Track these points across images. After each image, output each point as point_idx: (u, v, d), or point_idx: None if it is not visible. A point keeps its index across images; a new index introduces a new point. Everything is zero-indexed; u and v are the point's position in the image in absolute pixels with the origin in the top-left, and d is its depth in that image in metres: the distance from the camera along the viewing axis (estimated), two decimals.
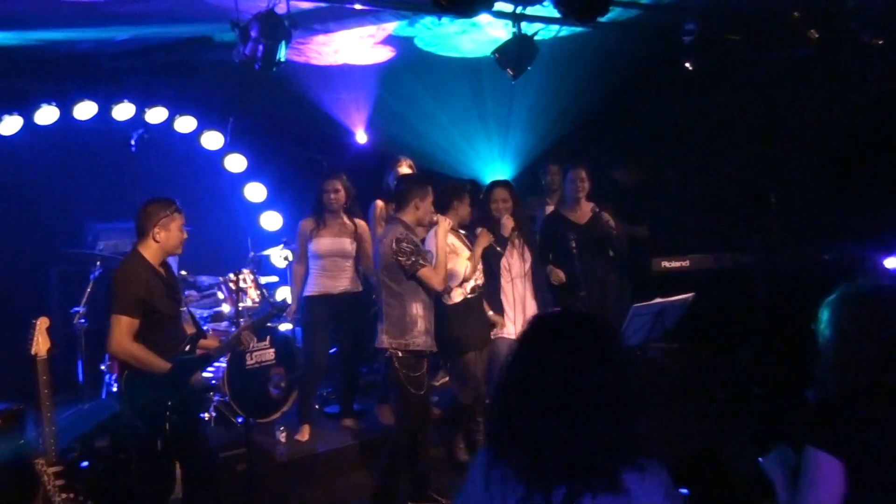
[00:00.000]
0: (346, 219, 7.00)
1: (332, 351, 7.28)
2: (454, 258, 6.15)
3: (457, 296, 6.22)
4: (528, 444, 2.29)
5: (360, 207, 7.21)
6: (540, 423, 2.28)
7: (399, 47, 8.28)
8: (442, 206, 6.18)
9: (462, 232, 6.45)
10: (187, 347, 4.98)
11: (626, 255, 7.27)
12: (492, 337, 6.46)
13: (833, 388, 2.81)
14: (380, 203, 7.24)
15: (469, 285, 6.25)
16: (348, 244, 6.95)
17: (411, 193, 5.84)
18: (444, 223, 5.89)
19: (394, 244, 5.65)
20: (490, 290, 6.50)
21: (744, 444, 5.74)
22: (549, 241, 7.10)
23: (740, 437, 5.97)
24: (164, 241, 4.90)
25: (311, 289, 6.93)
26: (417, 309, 5.70)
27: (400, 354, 5.66)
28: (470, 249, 6.29)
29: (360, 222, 7.10)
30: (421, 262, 5.63)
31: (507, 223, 6.59)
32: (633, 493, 2.25)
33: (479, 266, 6.35)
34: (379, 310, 5.86)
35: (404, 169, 7.20)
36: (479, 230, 6.32)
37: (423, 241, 5.97)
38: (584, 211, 7.16)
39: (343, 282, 6.97)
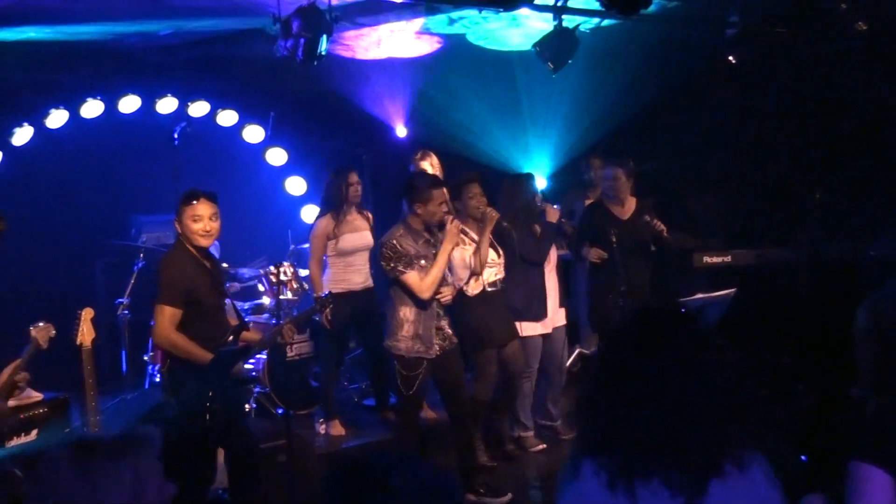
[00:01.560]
0: (359, 211, 7.01)
1: (357, 352, 7.29)
2: (462, 251, 6.06)
3: (474, 287, 6.16)
4: (658, 446, 2.24)
5: (385, 201, 7.20)
6: (666, 422, 2.22)
7: (444, 38, 8.28)
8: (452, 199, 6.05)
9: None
10: (230, 339, 5.03)
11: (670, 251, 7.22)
12: (522, 334, 6.43)
13: (866, 385, 2.76)
14: None
15: (487, 277, 6.18)
16: (369, 236, 6.94)
17: (411, 197, 5.68)
18: (453, 227, 5.65)
19: (380, 247, 5.65)
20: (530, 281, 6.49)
21: (787, 442, 5.68)
22: (589, 230, 7.05)
23: (783, 434, 5.91)
24: (183, 233, 4.95)
25: (334, 286, 6.79)
26: (406, 312, 5.61)
27: (394, 353, 5.66)
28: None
29: (370, 215, 7.11)
30: (401, 268, 5.50)
31: (553, 212, 6.61)
32: (751, 477, 2.22)
33: (501, 259, 6.29)
34: None
35: (424, 166, 7.16)
36: (451, 224, 5.77)
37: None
38: (629, 206, 7.10)
39: (363, 276, 6.97)
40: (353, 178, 6.89)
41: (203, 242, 4.96)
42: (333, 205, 6.84)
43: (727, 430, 2.22)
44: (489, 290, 6.22)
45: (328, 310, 6.43)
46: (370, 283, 7.02)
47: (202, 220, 4.91)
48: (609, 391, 2.29)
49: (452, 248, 5.70)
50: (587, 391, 2.40)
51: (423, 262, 5.57)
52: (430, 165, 7.21)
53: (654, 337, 2.30)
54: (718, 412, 2.21)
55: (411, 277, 5.52)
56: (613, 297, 6.69)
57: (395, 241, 5.56)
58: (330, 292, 6.17)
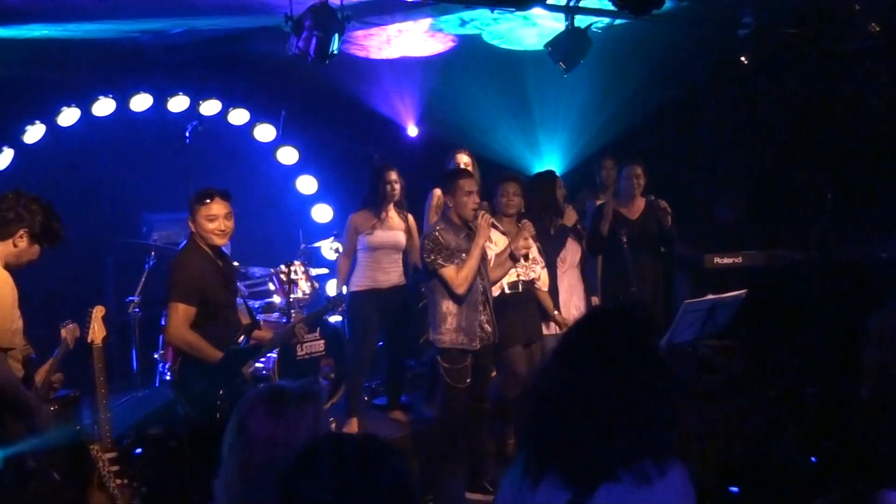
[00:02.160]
0: (397, 211, 7.04)
1: (379, 344, 7.35)
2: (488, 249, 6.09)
3: (496, 289, 6.19)
4: (563, 442, 2.30)
5: (408, 201, 7.24)
6: (574, 420, 2.28)
7: (458, 37, 8.29)
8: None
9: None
10: (241, 338, 5.05)
11: (674, 245, 7.23)
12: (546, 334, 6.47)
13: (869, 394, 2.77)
14: (437, 192, 7.18)
15: (506, 278, 6.19)
16: (402, 236, 6.99)
17: (444, 190, 5.86)
18: (483, 221, 5.72)
19: (423, 239, 5.75)
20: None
21: (795, 444, 5.67)
22: (599, 232, 7.08)
23: (792, 436, 5.90)
24: (198, 232, 4.98)
25: (361, 282, 6.94)
26: (448, 306, 5.67)
27: (438, 346, 5.71)
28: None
29: (410, 216, 7.14)
30: (440, 261, 5.57)
31: (572, 213, 6.66)
32: (653, 489, 2.24)
33: (528, 261, 6.30)
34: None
35: (461, 160, 7.20)
36: (481, 219, 5.83)
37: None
38: (638, 206, 7.14)
39: (392, 275, 7.00)
40: (390, 175, 6.94)
41: (219, 241, 5.00)
42: (369, 201, 6.95)
43: (633, 436, 2.25)
44: (509, 292, 6.24)
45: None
46: (401, 281, 7.06)
47: (217, 220, 4.95)
48: (541, 383, 2.38)
49: (484, 243, 5.76)
50: (531, 384, 2.49)
51: (463, 255, 5.65)
52: (467, 159, 7.22)
53: (589, 334, 2.37)
54: (627, 417, 2.25)
55: (449, 271, 5.60)
56: (623, 298, 6.71)
57: (437, 234, 5.64)
58: (340, 293, 6.18)
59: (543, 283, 6.46)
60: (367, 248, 6.92)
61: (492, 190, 6.42)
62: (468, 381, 5.73)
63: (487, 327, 5.81)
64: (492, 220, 5.90)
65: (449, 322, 5.68)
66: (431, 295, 5.77)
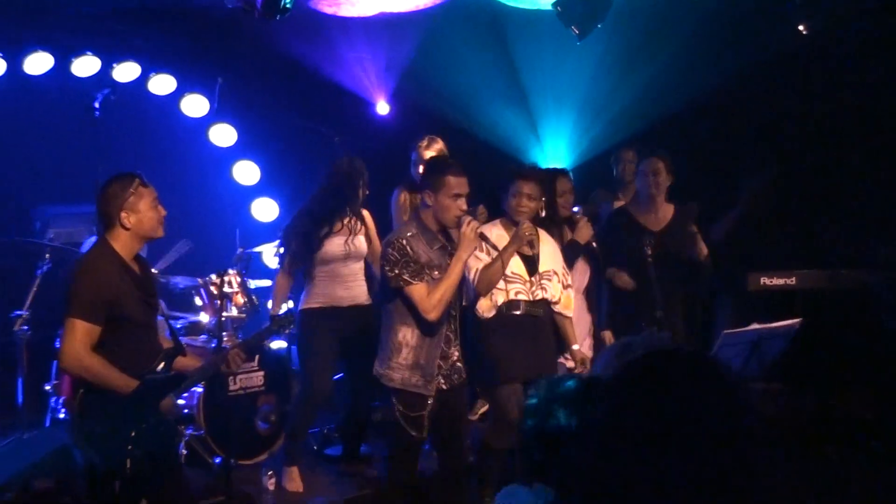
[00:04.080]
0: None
1: (336, 377, 7.32)
2: (476, 262, 6.06)
3: (486, 309, 6.16)
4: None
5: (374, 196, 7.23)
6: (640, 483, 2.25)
7: None
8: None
9: None
10: (160, 366, 5.01)
11: (710, 266, 7.26)
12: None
13: None
14: (404, 193, 7.23)
15: (499, 296, 6.17)
16: (363, 242, 6.98)
17: (423, 184, 5.71)
18: (468, 230, 5.52)
19: (383, 248, 5.63)
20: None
21: None
22: (614, 246, 7.09)
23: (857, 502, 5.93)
24: (136, 225, 4.93)
25: (315, 300, 6.90)
26: (405, 335, 5.58)
27: (388, 385, 5.63)
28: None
29: (367, 213, 7.13)
30: (407, 276, 5.44)
31: (587, 229, 6.67)
32: None
33: (536, 275, 6.28)
34: None
35: (431, 152, 7.19)
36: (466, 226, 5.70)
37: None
38: (664, 214, 7.16)
39: (355, 291, 6.99)
40: (364, 173, 6.99)
41: (161, 233, 5.08)
42: (328, 203, 6.95)
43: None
44: (507, 312, 6.20)
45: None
46: (363, 300, 7.05)
47: (158, 206, 5.00)
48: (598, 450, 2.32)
49: (467, 258, 5.65)
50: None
51: (436, 273, 5.53)
52: (439, 151, 7.20)
53: (649, 394, 2.31)
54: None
55: (418, 291, 5.46)
56: (647, 326, 6.71)
57: (404, 242, 5.50)
58: (290, 310, 6.14)
59: (565, 307, 6.41)
60: (321, 261, 6.88)
61: (501, 186, 6.34)
62: (425, 434, 5.66)
63: (459, 365, 5.77)
64: (479, 228, 5.72)
65: (403, 355, 5.58)
66: (387, 318, 5.68)
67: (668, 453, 2.22)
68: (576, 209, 7.25)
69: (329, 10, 8.35)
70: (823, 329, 6.55)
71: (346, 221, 6.90)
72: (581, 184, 8.88)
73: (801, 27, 7.88)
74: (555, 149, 9.91)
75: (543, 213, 6.48)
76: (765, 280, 7.89)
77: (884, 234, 8.15)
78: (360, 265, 7.04)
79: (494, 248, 6.00)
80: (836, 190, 8.96)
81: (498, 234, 6.14)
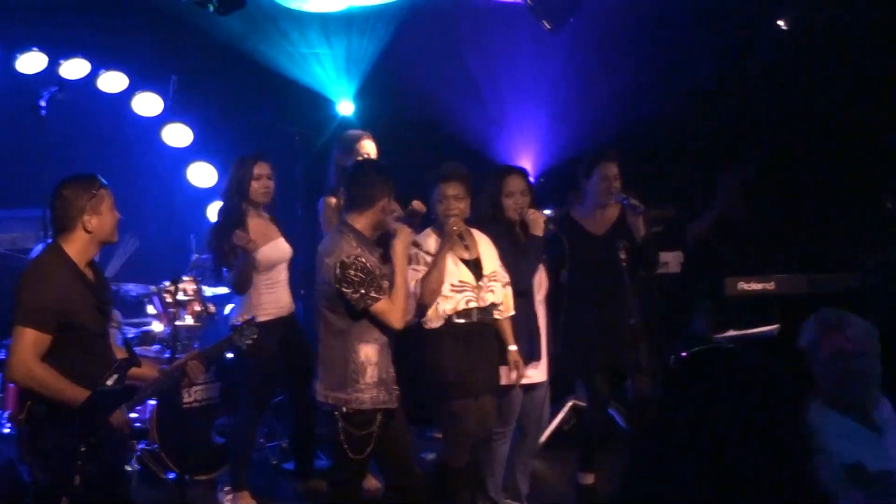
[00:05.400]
0: (269, 214, 7.01)
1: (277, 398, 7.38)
2: (413, 272, 6.03)
3: (433, 319, 6.12)
4: None
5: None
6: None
7: None
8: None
9: None
10: (113, 378, 4.97)
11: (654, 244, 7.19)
12: (510, 382, 6.43)
13: None
14: (332, 200, 7.06)
15: (447, 304, 6.15)
16: (287, 245, 6.97)
17: (377, 190, 5.62)
18: (404, 234, 5.65)
19: (337, 269, 5.47)
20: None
21: None
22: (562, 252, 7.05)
23: None
24: (97, 229, 4.90)
25: (264, 312, 6.69)
26: (368, 353, 5.55)
27: (343, 409, 5.58)
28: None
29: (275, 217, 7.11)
30: (374, 294, 5.44)
31: (536, 217, 6.57)
32: None
33: (483, 279, 6.27)
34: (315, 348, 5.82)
35: (369, 149, 7.16)
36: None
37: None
38: (609, 216, 7.07)
39: (289, 297, 6.99)
40: (262, 168, 6.87)
41: (117, 237, 5.11)
42: (234, 204, 6.89)
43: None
44: (458, 321, 6.19)
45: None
46: (293, 306, 7.04)
47: (115, 209, 4.99)
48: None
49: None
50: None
51: (385, 283, 5.53)
52: (372, 151, 7.17)
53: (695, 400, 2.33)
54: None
55: (383, 305, 5.48)
56: (620, 334, 6.73)
57: (363, 259, 5.46)
58: (253, 317, 6.08)
59: (507, 308, 6.35)
60: (263, 267, 6.80)
61: (428, 193, 6.31)
62: (368, 452, 5.60)
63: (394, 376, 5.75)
64: (411, 234, 5.82)
65: (370, 374, 5.53)
66: (338, 340, 5.60)
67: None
68: (548, 212, 7.15)
69: (291, 5, 8.34)
70: None
71: (262, 224, 6.86)
72: (554, 188, 8.92)
73: (781, 23, 7.92)
74: (524, 151, 9.94)
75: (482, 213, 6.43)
76: (743, 285, 7.94)
77: (866, 239, 8.21)
78: (285, 269, 7.00)
79: (429, 254, 6.08)
80: (815, 193, 9.03)
81: (431, 242, 6.12)
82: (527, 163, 9.33)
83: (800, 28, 8.15)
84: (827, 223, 8.89)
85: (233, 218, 6.78)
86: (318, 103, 9.67)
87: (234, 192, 6.84)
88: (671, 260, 7.34)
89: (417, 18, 8.98)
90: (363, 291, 5.42)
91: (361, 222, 5.59)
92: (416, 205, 6.82)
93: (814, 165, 9.14)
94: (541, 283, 6.84)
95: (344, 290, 5.43)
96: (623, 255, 6.75)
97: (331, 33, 9.18)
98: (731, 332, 6.11)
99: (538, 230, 6.59)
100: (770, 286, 7.97)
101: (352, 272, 5.42)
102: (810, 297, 7.87)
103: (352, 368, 5.54)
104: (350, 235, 5.56)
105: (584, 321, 6.89)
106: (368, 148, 7.13)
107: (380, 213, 5.60)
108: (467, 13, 9.00)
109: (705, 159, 9.13)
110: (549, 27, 7.44)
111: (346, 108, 9.77)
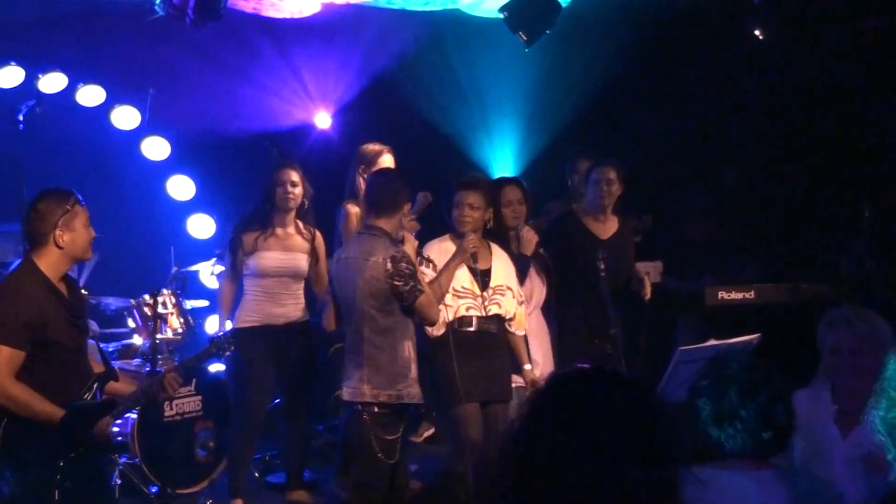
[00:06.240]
0: (299, 227, 7.04)
1: (274, 403, 7.33)
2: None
3: (437, 327, 6.19)
4: None
5: (315, 213, 7.23)
6: None
7: None
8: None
9: None
10: (91, 391, 4.98)
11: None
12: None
13: None
14: (354, 209, 7.12)
15: (448, 312, 6.22)
16: (303, 261, 6.96)
17: (402, 196, 5.96)
18: (410, 242, 6.01)
19: (389, 264, 5.67)
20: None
21: None
22: (564, 252, 7.15)
23: None
24: (69, 245, 4.91)
25: (248, 318, 6.86)
26: (409, 348, 5.81)
27: (375, 410, 5.69)
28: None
29: (318, 233, 7.14)
30: (420, 287, 5.72)
31: (530, 237, 6.70)
32: None
33: (489, 290, 6.34)
34: (352, 351, 5.88)
35: (389, 163, 7.23)
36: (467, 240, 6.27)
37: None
38: (610, 225, 7.22)
39: (290, 309, 6.97)
40: (285, 175, 6.92)
41: (90, 255, 5.14)
42: (259, 211, 7.01)
43: None
44: (459, 329, 6.27)
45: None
46: (299, 315, 7.04)
47: (90, 227, 5.01)
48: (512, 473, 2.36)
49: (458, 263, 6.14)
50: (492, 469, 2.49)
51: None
52: (392, 162, 7.27)
53: (559, 410, 2.36)
54: None
55: (428, 298, 5.80)
56: (600, 344, 6.77)
57: (407, 255, 5.79)
58: (232, 330, 6.12)
59: (519, 325, 6.46)
60: (253, 274, 6.88)
61: (444, 198, 6.47)
62: (399, 457, 5.80)
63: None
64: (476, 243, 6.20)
65: (413, 371, 5.82)
66: (383, 336, 5.78)
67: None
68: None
69: (272, 14, 8.37)
70: (783, 344, 6.61)
71: (274, 232, 6.93)
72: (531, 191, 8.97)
73: (757, 32, 7.99)
74: (504, 155, 9.98)
75: (490, 225, 6.52)
76: (723, 294, 7.99)
77: (844, 245, 8.26)
78: (299, 286, 7.03)
79: (431, 262, 6.28)
80: (794, 202, 9.08)
81: (446, 247, 6.27)
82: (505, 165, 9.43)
83: (775, 36, 8.18)
84: (806, 232, 8.94)
85: (245, 220, 7.02)
86: (295, 116, 9.70)
87: (265, 197, 6.97)
88: (651, 270, 7.37)
89: (397, 31, 9.03)
90: (413, 283, 5.70)
91: (389, 225, 5.87)
92: (423, 197, 7.08)
93: (793, 174, 9.19)
94: (533, 292, 6.93)
95: (396, 282, 5.68)
96: (602, 266, 6.81)
97: (308, 47, 9.20)
98: (712, 342, 6.12)
99: (528, 251, 6.73)
100: (750, 296, 8.03)
101: (403, 265, 5.71)
102: (790, 306, 7.94)
103: (401, 364, 5.78)
104: (383, 237, 5.82)
105: (574, 324, 7.10)
106: (388, 162, 7.22)
107: (402, 217, 5.97)
108: (447, 27, 9.03)
109: (680, 168, 9.20)
110: (524, 39, 7.48)
111: (322, 120, 9.81)
